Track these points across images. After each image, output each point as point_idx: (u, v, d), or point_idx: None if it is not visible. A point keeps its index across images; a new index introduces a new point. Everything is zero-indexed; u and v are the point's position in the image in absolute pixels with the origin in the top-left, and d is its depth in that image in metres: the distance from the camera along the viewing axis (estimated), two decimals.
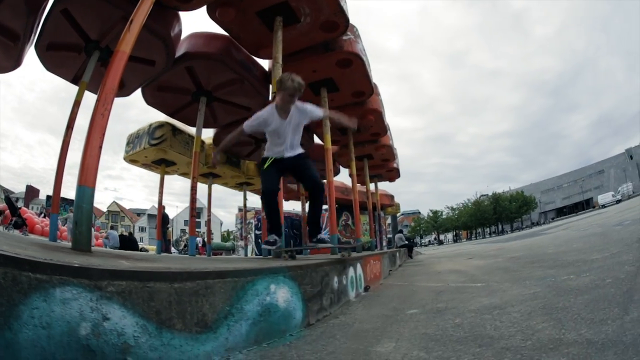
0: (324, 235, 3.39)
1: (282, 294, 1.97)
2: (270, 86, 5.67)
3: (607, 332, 1.37)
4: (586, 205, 56.31)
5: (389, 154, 10.77)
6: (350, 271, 3.39)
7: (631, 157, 58.78)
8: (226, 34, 5.40)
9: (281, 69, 4.79)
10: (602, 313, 1.63)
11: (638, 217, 8.39)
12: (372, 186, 12.95)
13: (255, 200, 13.01)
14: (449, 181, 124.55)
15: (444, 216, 63.02)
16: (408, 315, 2.29)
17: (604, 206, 39.78)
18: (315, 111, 3.17)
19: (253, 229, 14.15)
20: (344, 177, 13.04)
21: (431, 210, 65.81)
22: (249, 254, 14.58)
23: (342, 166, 10.56)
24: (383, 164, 11.51)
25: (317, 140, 8.27)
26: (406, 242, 14.52)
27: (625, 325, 1.40)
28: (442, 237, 67.91)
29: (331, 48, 5.80)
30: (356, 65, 6.06)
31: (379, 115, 8.01)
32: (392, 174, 13.24)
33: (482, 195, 59.60)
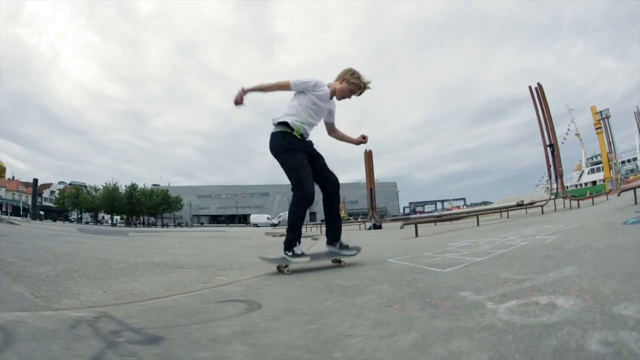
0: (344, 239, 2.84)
1: None
2: None
3: None
4: (244, 219, 61.35)
5: None
6: None
7: None
8: None
9: None
10: None
11: None
12: None
13: None
14: (132, 162, 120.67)
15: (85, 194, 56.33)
16: None
17: (256, 225, 45.68)
18: (334, 117, 2.92)
19: None
20: None
21: (72, 184, 60.52)
22: None
23: None
24: None
25: None
26: None
27: None
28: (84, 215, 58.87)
29: None
30: None
31: None
32: None
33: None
